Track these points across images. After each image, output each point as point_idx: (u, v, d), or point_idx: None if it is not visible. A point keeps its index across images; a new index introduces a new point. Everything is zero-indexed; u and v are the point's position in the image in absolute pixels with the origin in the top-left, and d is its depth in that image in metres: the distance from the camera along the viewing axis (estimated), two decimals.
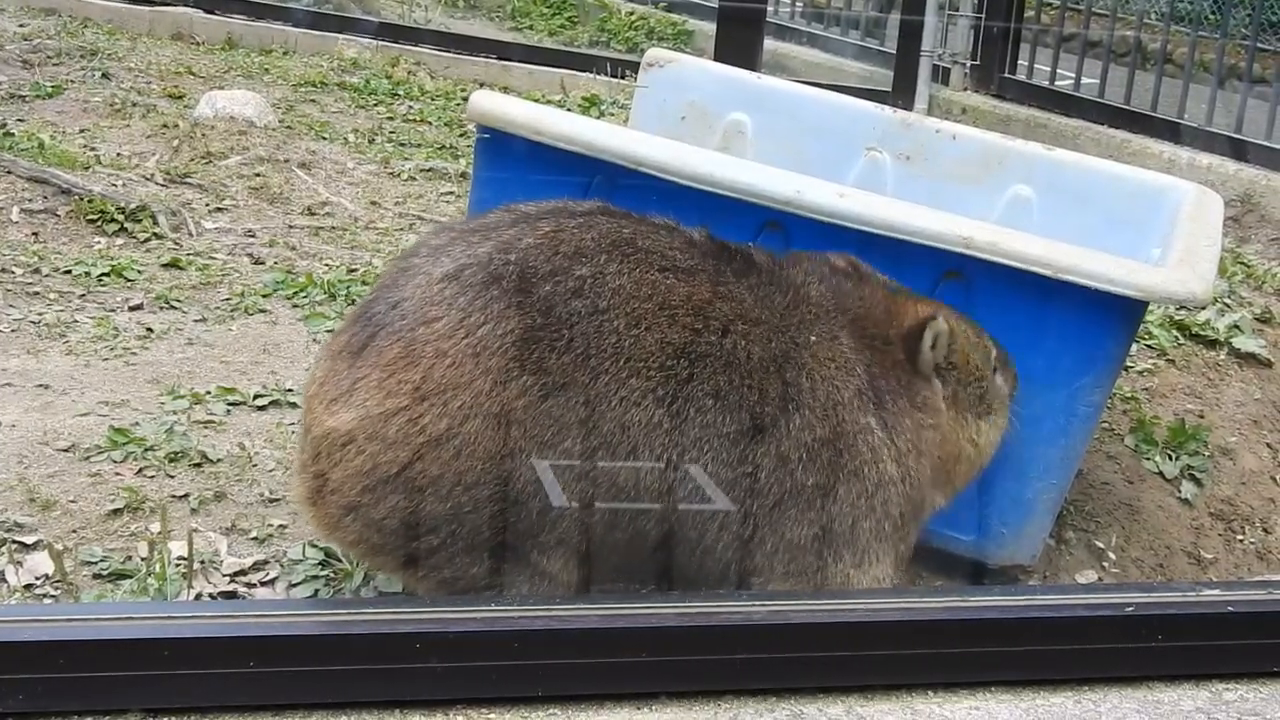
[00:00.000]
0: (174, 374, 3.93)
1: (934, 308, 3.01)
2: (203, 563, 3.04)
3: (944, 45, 8.96)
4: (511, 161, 3.41)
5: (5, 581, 2.93)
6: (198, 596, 2.93)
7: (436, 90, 8.08)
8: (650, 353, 2.64)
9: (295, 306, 4.57)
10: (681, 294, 2.70)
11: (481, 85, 8.05)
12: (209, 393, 3.79)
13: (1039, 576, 3.62)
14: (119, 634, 2.30)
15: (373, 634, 2.35)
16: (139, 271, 4.76)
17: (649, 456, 2.63)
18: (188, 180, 5.72)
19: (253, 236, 5.25)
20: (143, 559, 3.02)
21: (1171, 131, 8.02)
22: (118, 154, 5.92)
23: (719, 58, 5.40)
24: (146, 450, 3.43)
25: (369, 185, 6.02)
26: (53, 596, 2.90)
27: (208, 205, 5.51)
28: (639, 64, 4.56)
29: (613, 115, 7.36)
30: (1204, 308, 4.75)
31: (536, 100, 6.74)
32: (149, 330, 4.27)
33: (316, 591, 3.00)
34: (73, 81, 7.12)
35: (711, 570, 2.74)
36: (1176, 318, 4.84)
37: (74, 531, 3.12)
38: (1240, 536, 4.18)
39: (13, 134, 5.92)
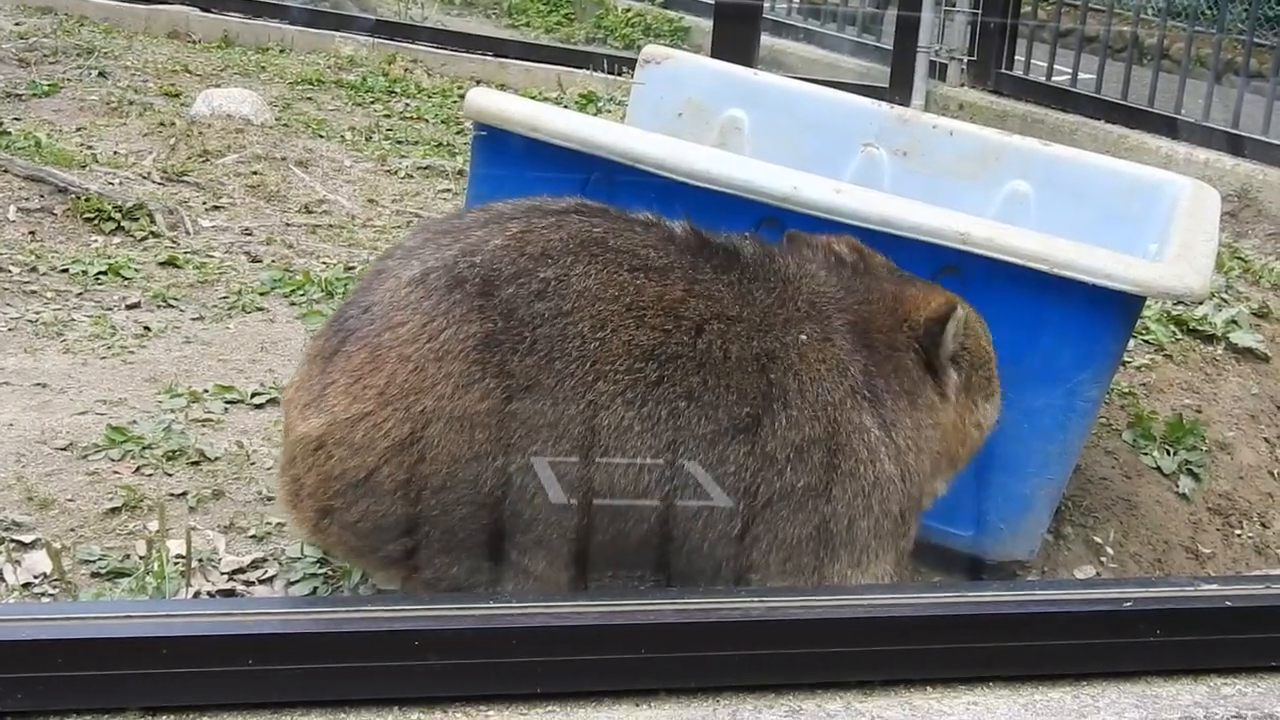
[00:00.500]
0: (171, 372, 3.93)
1: (943, 294, 2.98)
2: (201, 561, 3.04)
3: (941, 41, 8.96)
4: (509, 159, 3.41)
5: (3, 580, 2.93)
6: (196, 595, 2.93)
7: (433, 88, 8.08)
8: (616, 355, 2.61)
9: (292, 304, 4.57)
10: (651, 294, 2.66)
11: (478, 82, 8.04)
12: (206, 391, 3.79)
13: (1037, 572, 3.63)
14: (117, 632, 2.30)
15: (371, 632, 2.35)
16: (136, 270, 4.76)
17: (620, 456, 2.61)
18: (185, 178, 5.72)
19: (250, 234, 5.25)
20: (141, 557, 3.02)
21: (1169, 126, 8.02)
22: (114, 152, 5.92)
23: (716, 54, 5.41)
24: (144, 449, 3.43)
25: (366, 183, 6.02)
26: (51, 595, 2.90)
27: (205, 203, 5.51)
28: (636, 61, 4.56)
29: (610, 112, 7.35)
30: (1201, 303, 4.75)
31: (533, 97, 6.75)
32: (146, 329, 4.27)
33: (315, 589, 3.00)
34: (69, 80, 7.12)
35: (703, 568, 2.72)
36: (1174, 313, 4.84)
37: (72, 530, 3.12)
38: (1238, 531, 4.19)
39: (9, 132, 5.92)
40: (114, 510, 3.19)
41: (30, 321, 4.26)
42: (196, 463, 3.41)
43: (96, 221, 5.13)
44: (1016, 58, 9.05)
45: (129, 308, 4.46)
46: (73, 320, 4.29)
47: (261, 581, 3.04)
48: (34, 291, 4.51)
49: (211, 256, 5.00)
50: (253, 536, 3.17)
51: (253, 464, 3.43)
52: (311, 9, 9.33)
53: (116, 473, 3.33)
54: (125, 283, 4.66)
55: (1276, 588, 2.84)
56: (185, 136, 6.18)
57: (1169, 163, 7.38)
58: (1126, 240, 3.58)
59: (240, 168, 5.93)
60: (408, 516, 2.57)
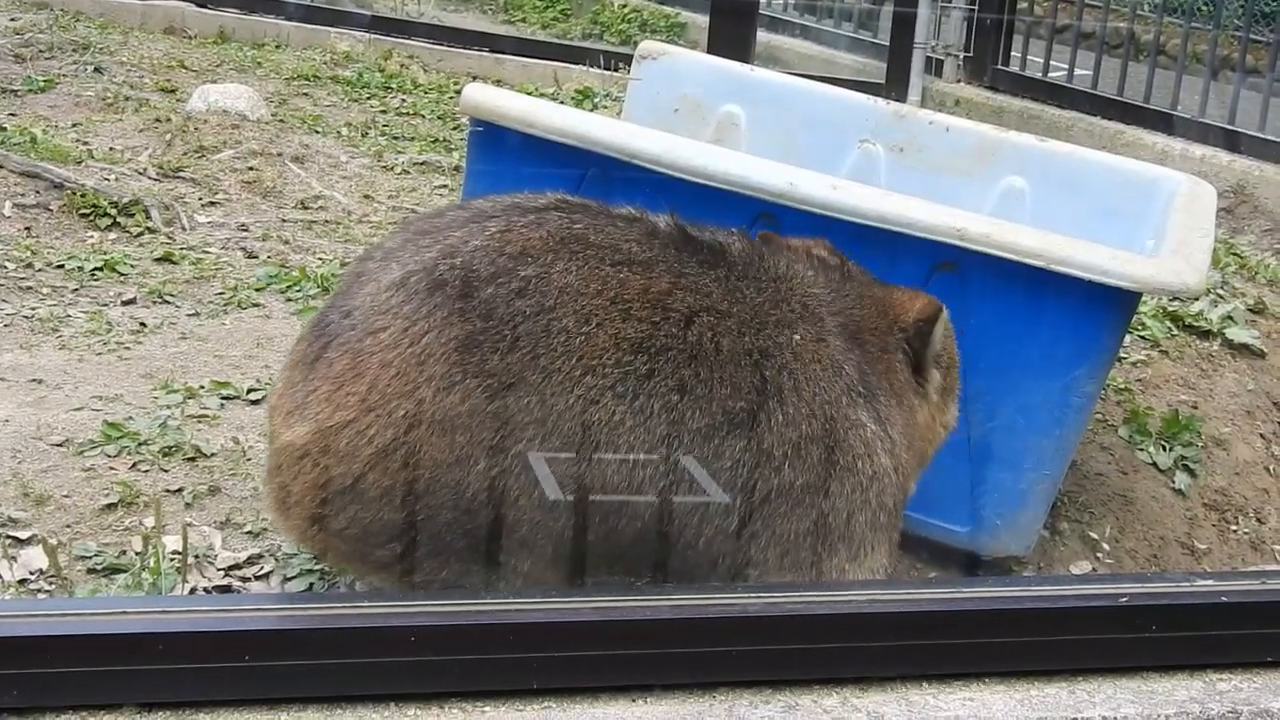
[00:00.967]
0: (167, 368, 3.93)
1: (926, 297, 3.00)
2: (197, 557, 3.04)
3: (937, 37, 8.95)
4: (505, 155, 3.40)
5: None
6: (192, 591, 2.93)
7: (429, 84, 8.08)
8: (604, 349, 2.59)
9: (289, 300, 4.57)
10: (636, 287, 2.65)
11: (474, 78, 8.03)
12: (202, 387, 3.79)
13: (1033, 568, 3.63)
14: (113, 629, 2.29)
15: (367, 628, 2.35)
16: (132, 266, 4.75)
17: (613, 452, 2.60)
18: (180, 174, 5.71)
19: (246, 231, 5.25)
20: (137, 554, 3.02)
21: (1165, 123, 8.02)
22: (110, 148, 5.91)
23: (712, 50, 5.40)
24: (140, 445, 3.43)
25: (362, 179, 6.02)
26: (47, 592, 2.90)
27: (200, 199, 5.51)
28: (632, 56, 4.55)
29: (606, 108, 7.35)
30: (1197, 299, 4.76)
31: (530, 93, 6.75)
32: (142, 325, 4.27)
33: (311, 585, 3.00)
34: (65, 76, 7.11)
35: (699, 564, 2.72)
36: (1170, 309, 4.84)
37: (68, 526, 3.12)
38: (1234, 527, 4.19)
39: (5, 129, 5.91)
40: (110, 506, 3.19)
41: (26, 317, 4.25)
42: (192, 459, 3.41)
43: (92, 217, 5.13)
44: (1013, 54, 9.05)
45: (125, 304, 4.46)
46: (68, 316, 4.29)
47: (258, 578, 3.04)
48: (30, 287, 4.51)
49: (207, 252, 4.99)
50: (249, 533, 3.17)
51: (249, 460, 3.43)
52: (307, 5, 9.32)
53: (112, 469, 3.33)
54: (121, 279, 4.65)
55: (1272, 583, 2.84)
56: (181, 132, 6.17)
57: (1165, 158, 7.38)
58: (1123, 236, 3.58)
59: (236, 163, 5.92)
60: (395, 522, 2.56)
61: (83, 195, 5.18)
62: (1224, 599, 2.66)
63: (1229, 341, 4.79)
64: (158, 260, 4.85)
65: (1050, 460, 3.40)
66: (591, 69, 8.51)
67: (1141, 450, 4.19)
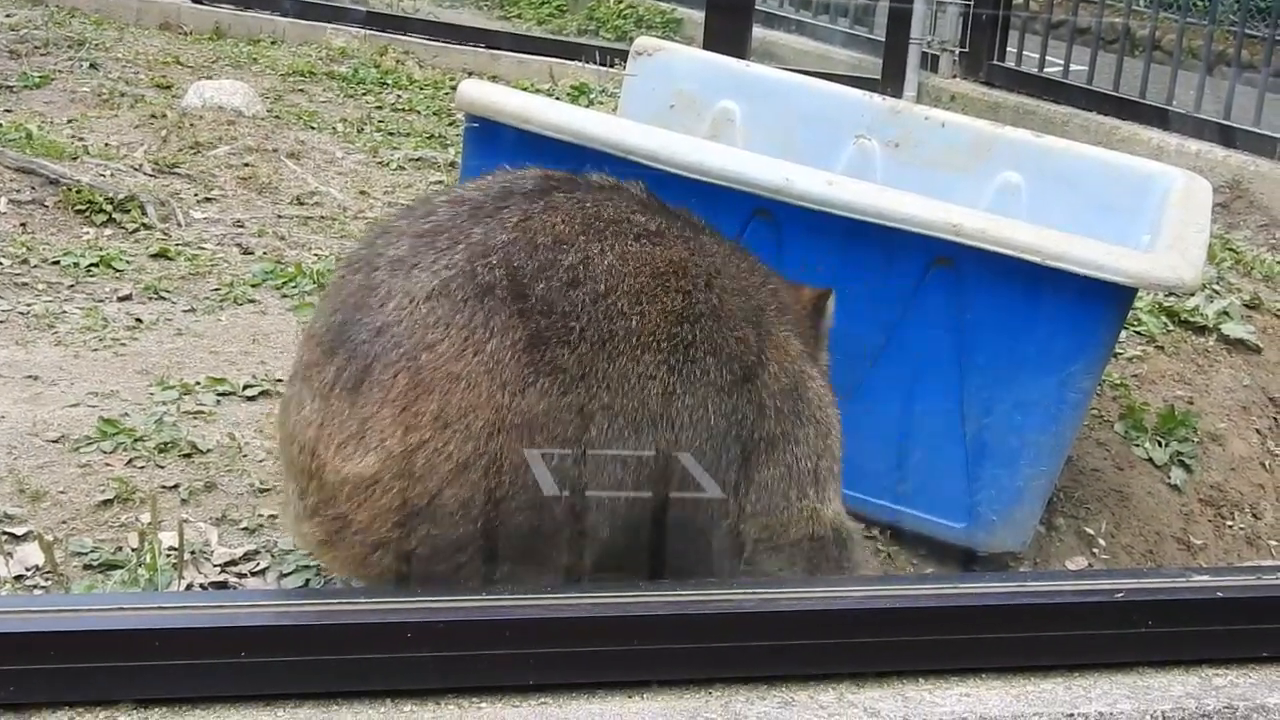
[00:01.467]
0: (163, 364, 3.93)
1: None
2: (193, 553, 3.04)
3: (933, 33, 8.96)
4: (500, 150, 3.40)
5: None
6: (188, 587, 2.93)
7: (425, 79, 8.07)
8: (657, 324, 2.64)
9: (284, 296, 4.57)
10: (663, 259, 2.70)
11: (470, 74, 8.03)
12: (198, 383, 3.78)
13: (1029, 563, 3.63)
14: (110, 625, 2.29)
15: (364, 624, 2.35)
16: (128, 262, 4.75)
17: (665, 425, 2.65)
18: (176, 170, 5.71)
19: (241, 226, 5.24)
20: (133, 550, 3.01)
21: (1160, 118, 8.02)
22: (106, 144, 5.91)
23: (708, 46, 5.39)
24: (136, 441, 3.42)
25: (358, 175, 6.01)
26: (43, 588, 2.90)
27: (196, 195, 5.50)
28: (628, 52, 4.55)
29: (602, 104, 7.35)
30: (1193, 294, 4.76)
31: (525, 89, 6.74)
32: (138, 321, 4.27)
33: (307, 581, 3.00)
34: (60, 72, 7.10)
35: (693, 522, 2.79)
36: (1165, 304, 4.84)
37: (64, 522, 3.12)
38: (1230, 522, 4.19)
39: (0, 124, 5.90)
40: (106, 502, 3.19)
41: (22, 314, 4.25)
42: (188, 455, 3.41)
43: (88, 213, 5.12)
44: (1008, 49, 9.06)
45: (121, 300, 4.46)
46: (64, 312, 4.29)
47: (254, 574, 3.04)
48: (25, 284, 4.50)
49: (203, 248, 4.99)
50: (245, 529, 3.17)
51: (244, 456, 3.43)
52: (303, 1, 9.31)
53: (108, 465, 3.33)
54: (117, 275, 4.65)
55: (1268, 578, 2.84)
56: (177, 128, 6.17)
57: (1160, 154, 7.38)
58: (1118, 232, 3.58)
59: (232, 159, 5.92)
60: (469, 534, 2.52)
61: (78, 191, 5.17)
62: (1220, 594, 2.67)
63: (1225, 337, 4.79)
64: (153, 256, 4.84)
65: (1046, 456, 3.40)
66: (587, 65, 8.51)
67: (1137, 446, 4.20)
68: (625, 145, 3.32)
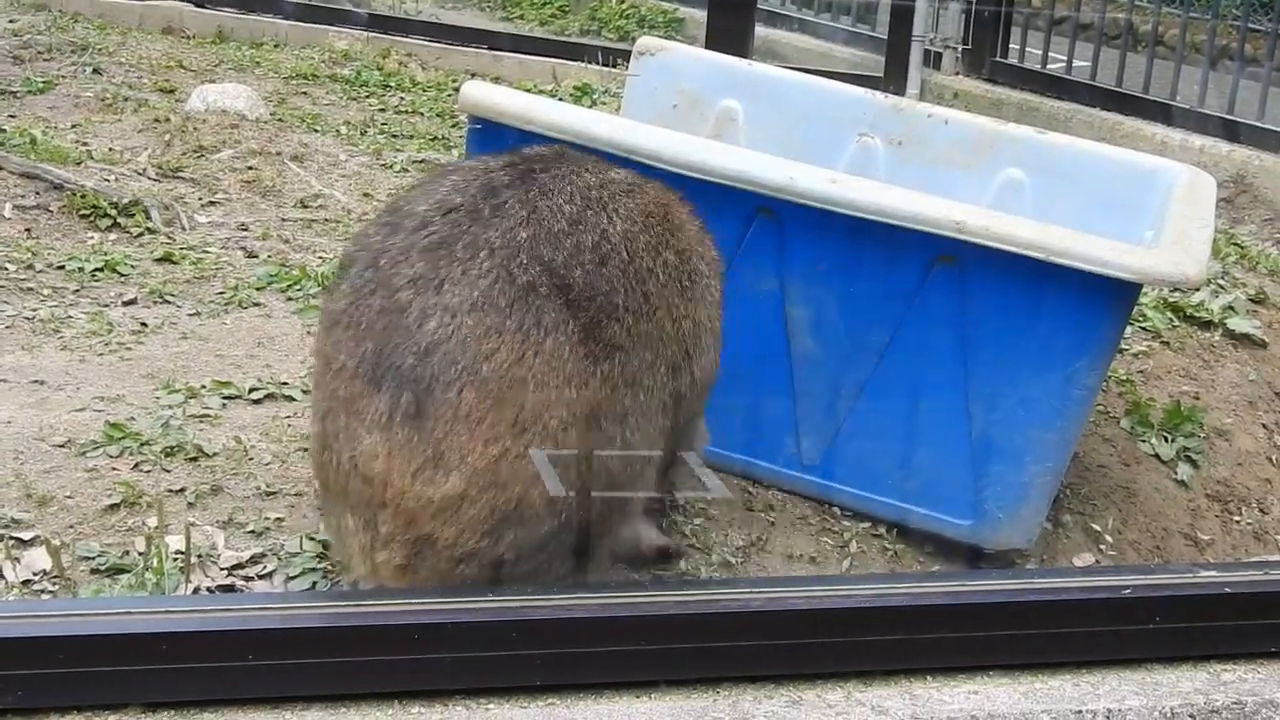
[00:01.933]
0: (169, 368, 3.93)
1: None
2: (200, 557, 3.04)
3: (935, 30, 8.95)
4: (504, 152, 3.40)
5: (3, 578, 2.93)
6: (195, 591, 2.93)
7: (428, 81, 8.07)
8: (676, 266, 2.77)
9: (289, 299, 4.57)
10: (653, 202, 2.84)
11: (473, 76, 8.03)
12: (204, 387, 3.79)
13: (1036, 560, 3.63)
14: (117, 629, 2.30)
15: (371, 625, 2.35)
16: (132, 266, 4.75)
17: (697, 354, 2.81)
18: (180, 174, 5.71)
19: (246, 230, 5.25)
20: (140, 554, 3.02)
21: (1164, 113, 8.01)
22: (109, 149, 5.91)
23: (710, 45, 5.39)
24: (142, 445, 3.42)
25: (361, 177, 6.01)
26: (50, 592, 2.90)
27: (200, 199, 5.51)
28: (630, 52, 4.55)
29: (604, 104, 7.35)
30: (1198, 289, 4.75)
31: (528, 90, 6.74)
32: (143, 325, 4.27)
33: (314, 584, 3.00)
34: (64, 77, 7.11)
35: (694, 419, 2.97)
36: (1170, 300, 4.84)
37: (71, 527, 3.12)
38: (1237, 518, 4.19)
39: (4, 130, 5.91)
40: (113, 507, 3.19)
41: (27, 319, 4.25)
42: (195, 459, 3.41)
43: (92, 218, 5.13)
44: (1011, 45, 9.04)
45: (126, 304, 4.46)
46: (70, 317, 4.29)
47: (261, 577, 3.04)
48: (30, 289, 4.51)
49: (208, 252, 4.99)
50: (251, 532, 3.17)
51: (251, 459, 3.43)
52: (305, 4, 9.31)
53: (115, 469, 3.33)
54: (122, 279, 4.65)
55: (1275, 573, 2.85)
56: (180, 132, 6.17)
57: (1164, 149, 7.38)
58: (1122, 227, 3.58)
59: (235, 163, 5.92)
60: (553, 529, 2.55)
61: (83, 196, 5.18)
62: (1227, 590, 2.67)
63: (1230, 332, 4.79)
64: (158, 260, 4.85)
65: (1052, 453, 3.40)
66: (590, 65, 8.51)
67: (1143, 441, 4.19)
68: (628, 145, 3.32)
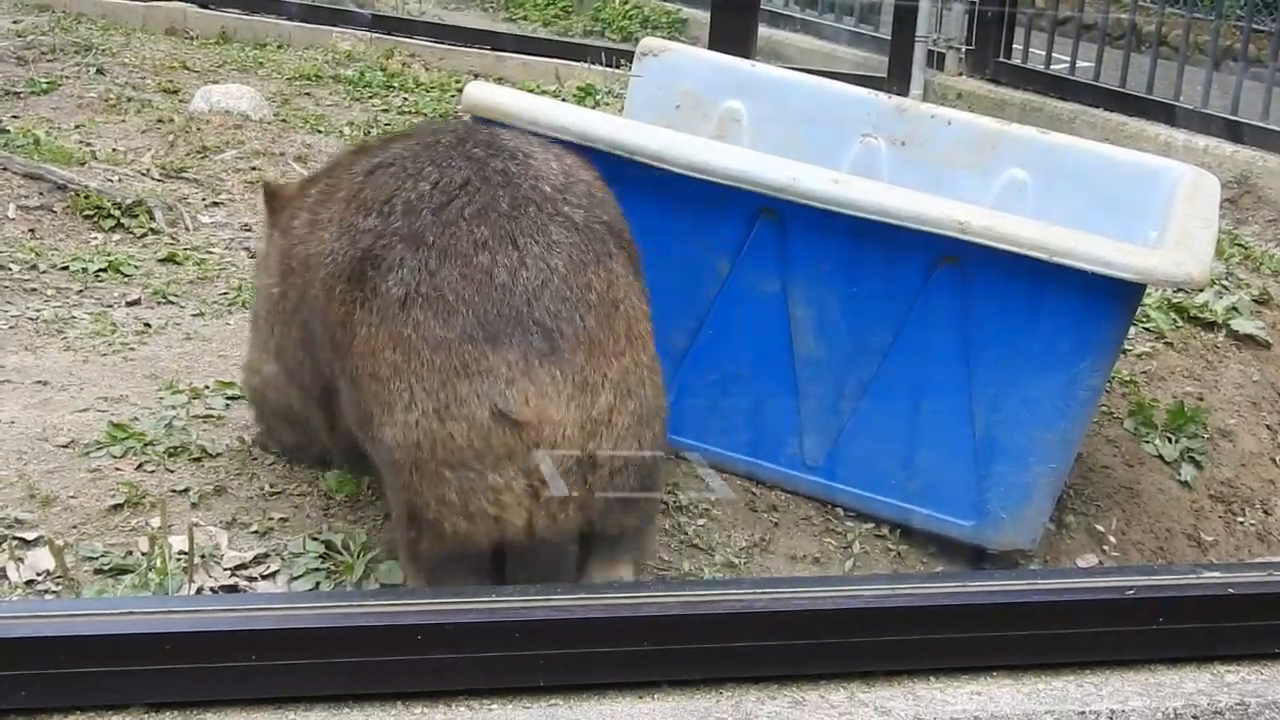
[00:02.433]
0: (172, 369, 3.93)
1: None
2: (203, 557, 3.04)
3: (938, 30, 8.94)
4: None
5: (6, 578, 2.93)
6: (198, 591, 2.93)
7: (431, 82, 8.07)
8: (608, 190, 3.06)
9: None
10: (541, 154, 3.04)
11: (476, 76, 8.03)
12: (207, 387, 3.79)
13: (1039, 561, 3.63)
14: (120, 629, 2.30)
15: (374, 626, 2.35)
16: (136, 267, 4.76)
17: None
18: (183, 175, 5.72)
19: (249, 230, 5.25)
20: (143, 554, 3.02)
21: (1167, 114, 8.00)
22: (113, 149, 5.92)
23: (713, 46, 5.38)
24: (146, 445, 3.43)
25: None
26: (54, 592, 2.90)
27: (204, 199, 5.51)
28: (633, 53, 4.55)
29: (608, 105, 7.35)
30: (1201, 290, 4.75)
31: (531, 91, 6.74)
32: (147, 325, 4.27)
33: (318, 584, 3.00)
34: (67, 77, 7.11)
35: None
36: (1174, 300, 4.83)
37: (74, 527, 3.12)
38: (1240, 519, 4.19)
39: (8, 130, 5.92)
40: (116, 507, 3.19)
41: (31, 319, 4.26)
42: (198, 459, 3.41)
43: (96, 219, 5.13)
44: (1014, 46, 9.03)
45: (129, 304, 4.46)
46: (73, 318, 4.30)
47: (264, 577, 3.04)
48: (34, 289, 4.51)
49: (211, 252, 5.00)
50: (255, 532, 3.17)
51: (254, 460, 3.43)
52: (309, 4, 9.31)
53: (118, 469, 3.33)
54: (125, 280, 4.65)
55: (1278, 574, 2.84)
56: (184, 133, 6.18)
57: (1168, 150, 7.37)
58: (1126, 228, 3.58)
59: (239, 163, 5.92)
60: (665, 420, 2.91)
61: (86, 196, 5.18)
62: (1231, 591, 2.66)
63: (1234, 333, 4.78)
64: (161, 261, 4.85)
65: (1055, 453, 3.40)
66: (593, 66, 8.50)
67: (1147, 442, 4.19)
68: (631, 145, 3.32)
